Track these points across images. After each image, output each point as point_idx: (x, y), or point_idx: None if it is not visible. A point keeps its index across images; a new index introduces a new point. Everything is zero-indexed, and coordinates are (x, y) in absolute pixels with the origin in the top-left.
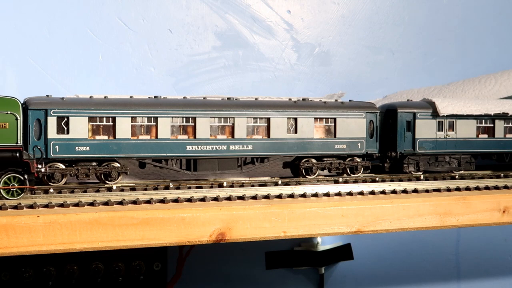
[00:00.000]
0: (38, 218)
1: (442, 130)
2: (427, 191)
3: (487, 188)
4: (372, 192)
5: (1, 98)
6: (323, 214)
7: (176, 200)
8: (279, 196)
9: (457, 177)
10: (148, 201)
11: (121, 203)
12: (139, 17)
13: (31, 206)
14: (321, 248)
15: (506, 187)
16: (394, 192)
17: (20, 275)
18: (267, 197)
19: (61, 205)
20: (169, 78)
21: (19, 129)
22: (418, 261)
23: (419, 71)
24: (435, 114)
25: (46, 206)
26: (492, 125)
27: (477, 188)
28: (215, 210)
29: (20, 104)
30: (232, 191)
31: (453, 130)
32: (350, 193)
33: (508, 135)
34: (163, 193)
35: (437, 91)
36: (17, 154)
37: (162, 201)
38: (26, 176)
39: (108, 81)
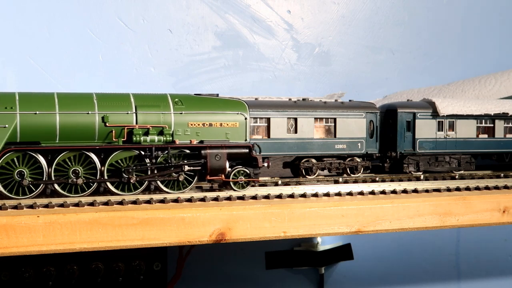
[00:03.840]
0: (38, 218)
1: (442, 130)
2: (427, 191)
3: (487, 188)
4: (372, 192)
5: (232, 100)
6: (323, 214)
7: (176, 200)
8: (279, 196)
9: (457, 177)
10: (148, 201)
11: (121, 203)
12: (139, 17)
13: (31, 206)
14: (321, 248)
15: (506, 187)
16: (394, 192)
17: (20, 275)
18: (267, 197)
19: (61, 205)
20: (169, 78)
21: (247, 128)
22: (418, 261)
23: (419, 71)
24: (435, 114)
25: (46, 206)
26: (492, 125)
27: (477, 188)
28: (215, 210)
29: (247, 106)
30: (232, 191)
31: (453, 130)
32: (350, 193)
33: (508, 135)
34: (163, 193)
35: (437, 91)
36: (248, 150)
37: (162, 201)
38: (252, 170)
39: (108, 81)
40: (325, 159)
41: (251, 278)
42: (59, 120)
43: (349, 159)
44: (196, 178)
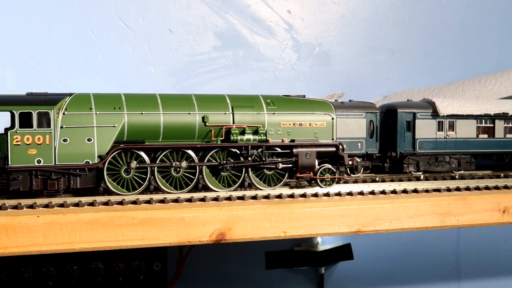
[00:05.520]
0: (38, 218)
1: (442, 130)
2: (427, 191)
3: (487, 188)
4: (372, 192)
5: (319, 101)
6: (323, 214)
7: (176, 200)
8: (279, 196)
9: (457, 177)
10: (148, 201)
11: (121, 203)
12: (139, 17)
13: (31, 206)
14: (321, 248)
15: (506, 187)
16: (394, 192)
17: (20, 275)
18: (267, 197)
19: (61, 205)
20: (169, 78)
21: (334, 127)
22: (418, 261)
23: (419, 71)
24: (435, 114)
25: (46, 206)
26: (492, 125)
27: (477, 188)
28: (215, 210)
29: (333, 107)
30: (232, 191)
31: (453, 130)
32: (350, 193)
33: (508, 135)
34: (163, 193)
35: (437, 91)
36: (335, 149)
37: (162, 201)
38: (338, 168)
39: (108, 81)
40: None
41: (251, 278)
42: (163, 120)
43: (349, 159)
44: (286, 175)
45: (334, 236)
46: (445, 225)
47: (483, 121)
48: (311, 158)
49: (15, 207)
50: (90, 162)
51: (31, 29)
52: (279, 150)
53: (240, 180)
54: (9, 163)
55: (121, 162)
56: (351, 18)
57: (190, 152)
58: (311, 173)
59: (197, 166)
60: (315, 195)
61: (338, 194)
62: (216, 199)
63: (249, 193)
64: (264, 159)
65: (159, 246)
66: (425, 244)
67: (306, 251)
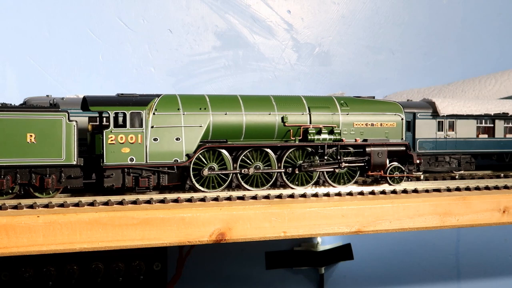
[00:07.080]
0: (38, 218)
1: (442, 130)
2: (427, 191)
3: (487, 188)
4: (372, 192)
5: (389, 102)
6: (323, 214)
7: (176, 200)
8: (279, 196)
9: (457, 177)
10: (148, 201)
11: (121, 203)
12: (139, 17)
13: (31, 206)
14: (321, 248)
15: (506, 187)
16: (394, 192)
17: (20, 275)
18: (267, 197)
19: (61, 205)
20: (169, 78)
21: (403, 128)
22: (418, 261)
23: (419, 71)
24: (435, 114)
25: (46, 206)
26: (492, 125)
27: (477, 188)
28: (215, 210)
29: (402, 108)
30: (232, 191)
31: (453, 130)
32: (350, 193)
33: (508, 135)
34: (163, 193)
35: (437, 91)
36: (405, 148)
37: (162, 201)
38: (407, 167)
39: (108, 81)
40: None
41: (251, 278)
42: (245, 120)
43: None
44: (358, 173)
45: (334, 236)
46: (445, 225)
47: (483, 121)
48: (382, 157)
49: (15, 207)
50: (179, 161)
51: (31, 29)
52: (351, 149)
53: (315, 178)
54: (104, 161)
55: (205, 160)
56: (351, 18)
57: (269, 150)
58: (382, 171)
59: (276, 165)
60: (315, 195)
61: (338, 194)
62: (216, 199)
63: (249, 193)
64: (339, 158)
65: (159, 246)
66: (425, 244)
67: (306, 251)
